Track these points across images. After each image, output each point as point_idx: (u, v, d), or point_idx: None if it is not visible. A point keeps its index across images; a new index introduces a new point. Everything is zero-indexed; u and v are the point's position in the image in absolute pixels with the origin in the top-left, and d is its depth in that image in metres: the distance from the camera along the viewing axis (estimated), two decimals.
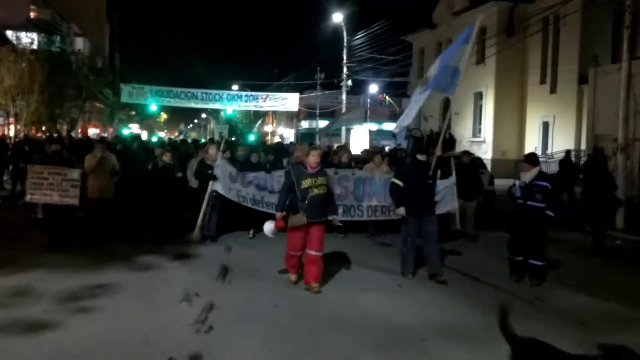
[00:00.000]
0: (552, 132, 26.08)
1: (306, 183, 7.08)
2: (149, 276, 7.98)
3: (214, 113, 69.12)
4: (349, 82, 32.22)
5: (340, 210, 9.78)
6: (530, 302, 7.12)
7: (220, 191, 10.37)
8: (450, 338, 5.81)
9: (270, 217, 10.56)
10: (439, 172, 9.12)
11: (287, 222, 7.16)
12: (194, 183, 11.16)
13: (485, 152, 27.31)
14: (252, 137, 35.05)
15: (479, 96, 29.34)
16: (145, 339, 5.55)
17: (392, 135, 34.37)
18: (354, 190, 10.65)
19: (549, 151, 25.54)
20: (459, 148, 27.34)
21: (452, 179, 9.91)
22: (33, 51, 23.56)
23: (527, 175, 7.99)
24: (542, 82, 26.73)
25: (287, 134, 54.51)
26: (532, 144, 26.75)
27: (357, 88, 39.28)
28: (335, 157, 12.67)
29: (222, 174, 10.35)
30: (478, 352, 5.48)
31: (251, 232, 10.94)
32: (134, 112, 55.25)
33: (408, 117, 10.68)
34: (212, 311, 6.48)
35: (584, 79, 23.39)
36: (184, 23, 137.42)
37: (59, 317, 6.12)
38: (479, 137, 29.65)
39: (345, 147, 16.38)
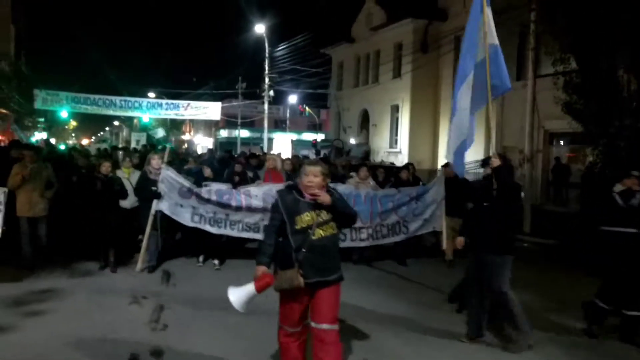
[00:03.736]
0: None
1: (303, 220, 4.40)
2: (92, 281, 8.06)
3: (128, 121, 67.49)
4: (271, 93, 32.70)
5: None
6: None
7: (167, 212, 8.70)
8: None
9: (237, 241, 9.93)
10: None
11: (275, 282, 4.43)
12: (127, 202, 9.04)
13: (402, 162, 28.57)
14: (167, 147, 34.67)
15: (395, 109, 30.60)
16: (103, 337, 5.79)
17: (311, 145, 34.72)
18: None
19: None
20: (377, 159, 28.61)
21: (441, 193, 9.10)
22: None
23: None
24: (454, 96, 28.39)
25: (206, 143, 54.12)
26: (444, 154, 28.29)
27: (277, 98, 39.86)
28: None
29: (168, 189, 8.72)
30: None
31: (201, 258, 9.34)
32: (42, 119, 53.03)
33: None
34: (163, 311, 6.76)
35: None
36: (97, 29, 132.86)
37: (10, 321, 6.21)
38: (396, 147, 30.93)
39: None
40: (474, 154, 25.89)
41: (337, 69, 36.69)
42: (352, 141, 32.55)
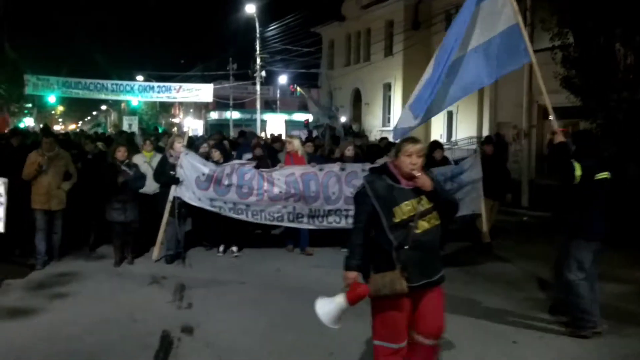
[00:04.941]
0: (456, 121, 27.86)
1: (403, 210, 3.72)
2: (109, 265, 8.13)
3: (116, 105, 66.94)
4: (263, 73, 32.60)
5: (351, 214, 7.63)
6: (465, 270, 8.06)
7: (186, 199, 8.36)
8: None
9: (260, 229, 9.86)
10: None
11: (370, 288, 3.74)
12: (149, 187, 8.52)
13: (395, 141, 28.73)
14: (156, 130, 34.61)
15: (387, 87, 30.68)
16: (132, 317, 5.93)
17: (303, 125, 34.82)
18: None
19: (453, 139, 27.32)
20: (370, 138, 28.72)
21: (478, 172, 8.46)
22: None
23: None
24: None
25: (196, 125, 53.91)
26: (437, 132, 28.44)
27: (268, 79, 39.69)
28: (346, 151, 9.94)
29: (188, 175, 8.37)
30: None
31: (221, 248, 8.89)
32: (30, 105, 52.54)
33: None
34: (185, 290, 6.92)
35: None
36: (84, 11, 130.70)
37: (37, 303, 6.35)
38: (389, 126, 31.06)
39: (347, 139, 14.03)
40: (466, 130, 26.22)
41: (327, 48, 36.61)
42: (343, 120, 32.62)
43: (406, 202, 3.71)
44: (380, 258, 3.74)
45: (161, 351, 5.04)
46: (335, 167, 8.68)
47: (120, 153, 8.03)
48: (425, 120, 7.00)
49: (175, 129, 58.32)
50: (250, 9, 31.14)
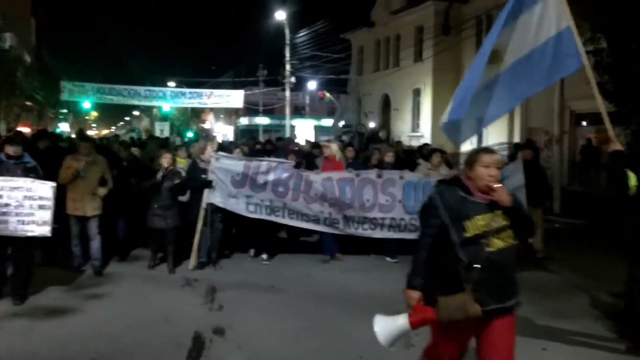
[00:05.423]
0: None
1: (476, 225, 3.42)
2: (142, 267, 8.29)
3: (147, 110, 68.12)
4: (293, 79, 32.83)
5: (386, 224, 8.37)
6: None
7: (220, 204, 8.24)
8: None
9: (297, 231, 9.68)
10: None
11: (439, 311, 3.42)
12: (184, 196, 8.49)
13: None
14: (190, 135, 35.15)
15: (417, 93, 30.59)
16: (165, 318, 6.07)
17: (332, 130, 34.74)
18: (404, 199, 8.34)
19: (483, 144, 27.10)
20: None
21: (520, 179, 8.14)
22: None
23: None
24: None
25: (226, 131, 54.47)
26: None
27: (297, 84, 39.95)
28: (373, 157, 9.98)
29: (220, 179, 8.26)
30: None
31: (252, 252, 8.88)
32: (65, 110, 53.83)
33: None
34: (216, 293, 7.05)
35: None
36: (116, 18, 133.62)
37: (75, 303, 6.53)
38: (418, 132, 30.96)
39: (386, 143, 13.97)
40: (497, 136, 26.00)
41: (357, 54, 36.71)
42: (372, 125, 32.62)
43: (479, 216, 3.40)
44: (449, 277, 3.41)
45: (194, 351, 5.16)
46: (372, 173, 8.55)
47: (167, 160, 8.00)
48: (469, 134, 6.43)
49: (205, 134, 59.11)
50: (281, 15, 31.41)
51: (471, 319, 3.33)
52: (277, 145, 12.85)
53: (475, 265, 3.32)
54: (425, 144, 14.40)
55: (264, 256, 8.75)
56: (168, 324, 5.89)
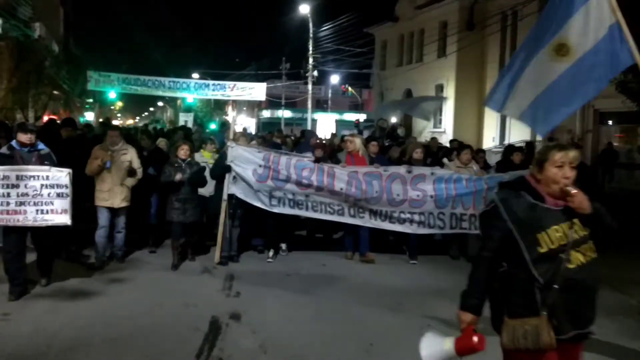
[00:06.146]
0: (509, 123, 27.46)
1: (551, 238, 2.91)
2: (163, 253, 8.45)
3: (171, 101, 68.83)
4: (315, 73, 32.95)
5: (415, 220, 8.15)
6: None
7: (241, 196, 8.06)
8: None
9: (319, 224, 9.56)
10: None
11: (504, 336, 2.98)
12: (206, 190, 8.30)
13: (446, 143, 28.51)
14: (212, 126, 35.40)
15: (439, 88, 30.47)
16: (184, 302, 6.27)
17: (354, 125, 34.97)
18: (436, 194, 8.08)
19: (506, 142, 26.92)
20: (420, 139, 28.61)
21: None
22: (1, 37, 23.35)
23: None
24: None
25: (248, 123, 54.81)
26: (490, 135, 28.11)
27: (319, 78, 40.09)
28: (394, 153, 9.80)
29: (242, 170, 8.00)
30: None
31: (270, 253, 8.46)
32: (91, 100, 54.72)
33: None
34: (234, 280, 7.24)
35: None
36: (142, 8, 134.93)
37: (97, 288, 6.76)
38: (440, 127, 30.86)
39: (416, 139, 13.67)
40: (520, 133, 25.79)
41: (380, 48, 36.62)
42: (393, 120, 32.56)
43: (555, 227, 2.89)
44: (518, 299, 2.93)
45: (210, 334, 5.33)
46: (401, 169, 8.30)
47: (183, 151, 7.82)
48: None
49: (227, 125, 59.36)
50: (305, 9, 31.51)
51: (541, 348, 2.83)
52: (299, 141, 12.80)
53: (553, 286, 2.83)
54: (453, 140, 14.23)
55: (283, 246, 8.68)
56: (186, 309, 6.08)
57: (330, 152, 9.56)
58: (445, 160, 9.28)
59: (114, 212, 7.63)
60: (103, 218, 7.58)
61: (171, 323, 5.61)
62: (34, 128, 6.49)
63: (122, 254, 7.94)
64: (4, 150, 6.31)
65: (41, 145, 6.45)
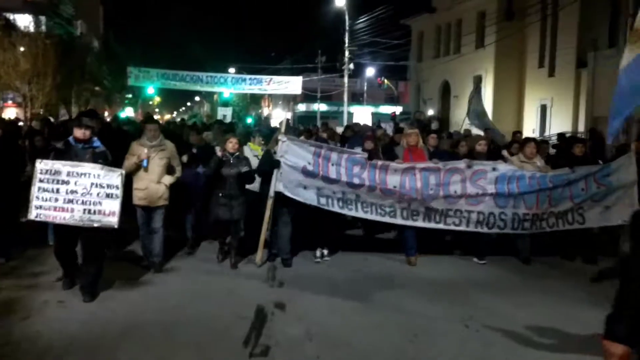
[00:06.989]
0: (549, 114, 26.96)
1: None
2: (205, 245, 8.55)
3: (208, 96, 69.70)
4: (351, 66, 32.91)
5: (473, 218, 7.69)
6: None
7: (287, 192, 7.49)
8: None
9: (372, 225, 8.77)
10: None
11: None
12: (255, 185, 7.85)
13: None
14: (249, 120, 35.74)
15: (478, 80, 30.08)
16: (229, 292, 6.43)
17: (390, 117, 34.90)
18: (496, 191, 7.65)
19: (546, 133, 26.43)
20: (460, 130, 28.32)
21: (631, 175, 7.29)
22: (47, 35, 24.05)
23: None
24: (541, 65, 27.56)
25: (284, 117, 55.08)
26: (530, 126, 27.65)
27: (355, 71, 39.98)
28: (460, 147, 8.81)
29: (293, 163, 7.49)
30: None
31: (318, 252, 7.97)
32: (130, 95, 55.94)
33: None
34: (277, 270, 7.37)
35: (581, 63, 24.22)
36: (179, 4, 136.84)
37: (145, 277, 6.97)
38: (477, 119, 30.54)
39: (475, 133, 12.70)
40: (561, 125, 25.29)
41: (417, 40, 36.36)
42: (430, 112, 32.29)
43: None
44: None
45: (257, 322, 5.45)
46: (461, 164, 7.78)
47: (232, 145, 7.43)
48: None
49: (265, 119, 59.89)
50: (340, 2, 31.45)
51: None
52: (346, 135, 12.14)
53: None
54: (517, 132, 13.33)
55: (325, 251, 8.01)
56: (232, 298, 6.23)
57: (383, 146, 9.19)
58: (505, 152, 8.68)
59: (150, 211, 7.12)
60: (141, 218, 7.16)
61: (217, 312, 5.75)
62: (89, 124, 6.14)
63: (160, 262, 7.28)
64: (60, 145, 6.16)
65: (97, 143, 6.21)
